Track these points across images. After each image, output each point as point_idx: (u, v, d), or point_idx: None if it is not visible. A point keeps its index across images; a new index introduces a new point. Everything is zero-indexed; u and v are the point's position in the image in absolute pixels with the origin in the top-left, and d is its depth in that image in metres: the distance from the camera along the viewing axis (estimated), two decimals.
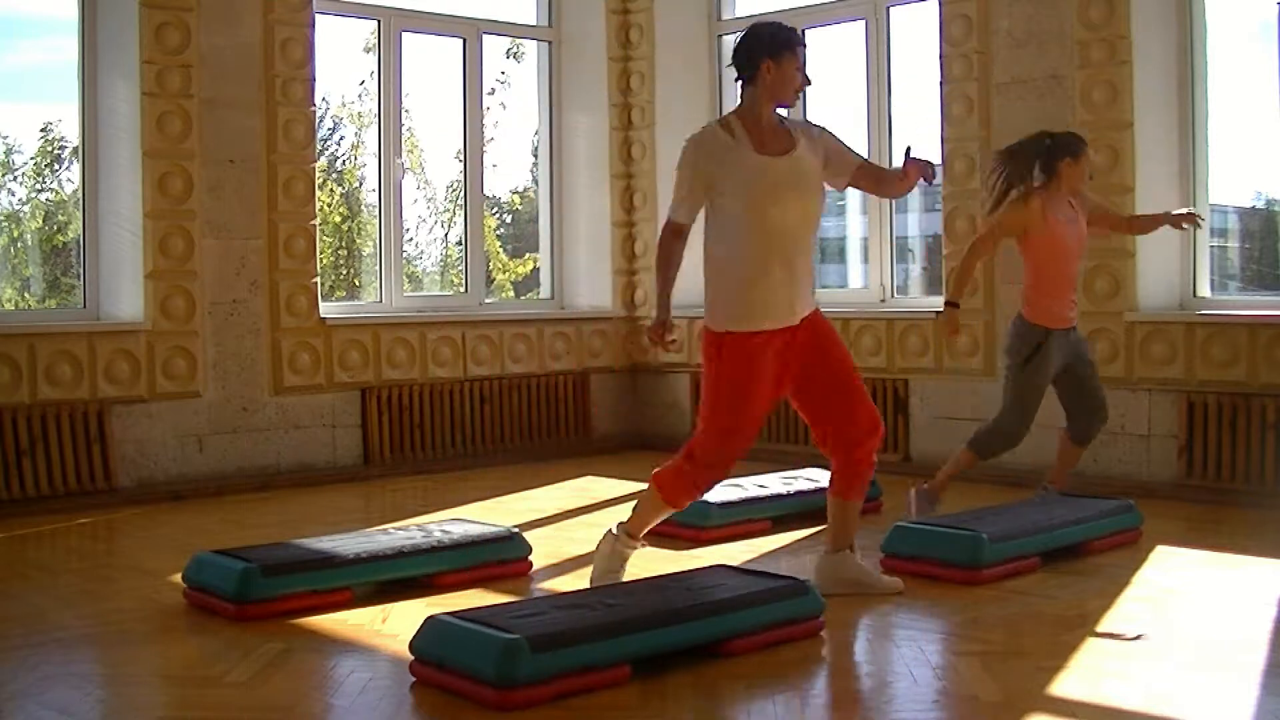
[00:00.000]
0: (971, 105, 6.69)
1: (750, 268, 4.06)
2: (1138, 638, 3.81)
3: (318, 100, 6.98)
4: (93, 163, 6.55)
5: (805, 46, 4.27)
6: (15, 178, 7.00)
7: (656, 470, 4.33)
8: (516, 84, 8.48)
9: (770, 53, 4.18)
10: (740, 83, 4.27)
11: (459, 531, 4.69)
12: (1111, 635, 3.86)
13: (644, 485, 6.26)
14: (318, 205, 7.02)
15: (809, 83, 4.25)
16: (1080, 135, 5.46)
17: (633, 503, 5.62)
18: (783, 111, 4.27)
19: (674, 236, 4.19)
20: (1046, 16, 6.42)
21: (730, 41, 8.25)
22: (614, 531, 4.40)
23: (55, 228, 7.11)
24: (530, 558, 4.75)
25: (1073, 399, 5.49)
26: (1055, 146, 5.30)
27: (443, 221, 8.57)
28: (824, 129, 4.30)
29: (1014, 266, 6.55)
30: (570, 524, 5.75)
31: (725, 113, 4.27)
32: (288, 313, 6.83)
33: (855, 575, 4.34)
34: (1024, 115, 6.51)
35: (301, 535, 4.87)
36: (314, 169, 6.94)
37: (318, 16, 6.96)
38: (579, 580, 4.55)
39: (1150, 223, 5.61)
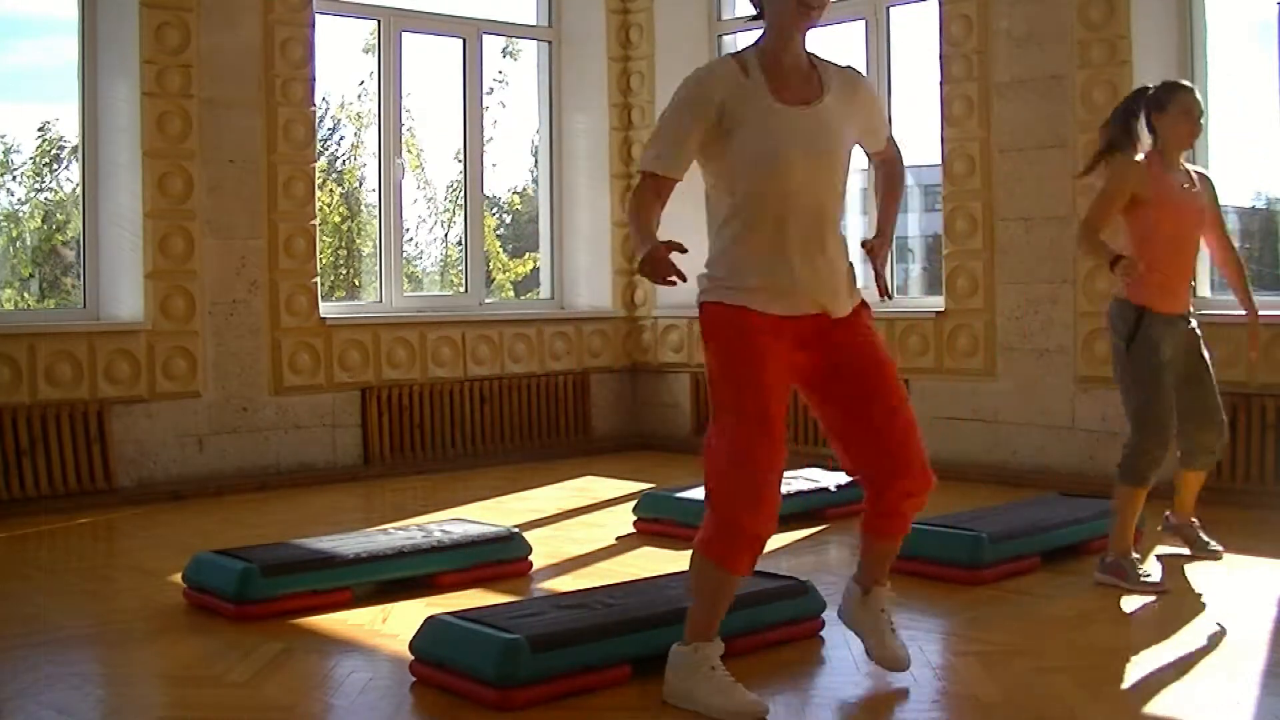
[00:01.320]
0: (971, 105, 6.69)
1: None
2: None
3: (318, 100, 6.98)
4: (92, 163, 6.55)
5: None
6: (14, 177, 7.01)
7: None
8: (516, 84, 8.49)
9: None
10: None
11: (459, 531, 4.69)
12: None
13: (646, 485, 6.30)
14: (318, 205, 7.02)
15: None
16: (1177, 82, 4.61)
17: (632, 503, 5.65)
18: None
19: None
20: (1046, 16, 6.41)
21: (730, 41, 8.27)
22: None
23: (54, 227, 7.11)
24: (530, 558, 4.75)
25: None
26: (1149, 99, 4.55)
27: (443, 221, 8.57)
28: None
29: (1013, 267, 6.57)
30: (570, 524, 5.75)
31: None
32: (288, 313, 6.83)
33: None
34: (1024, 115, 6.52)
35: (301, 535, 4.87)
36: (314, 169, 6.94)
37: (318, 16, 6.96)
38: (579, 580, 4.56)
39: (1236, 291, 4.74)
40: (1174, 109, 4.48)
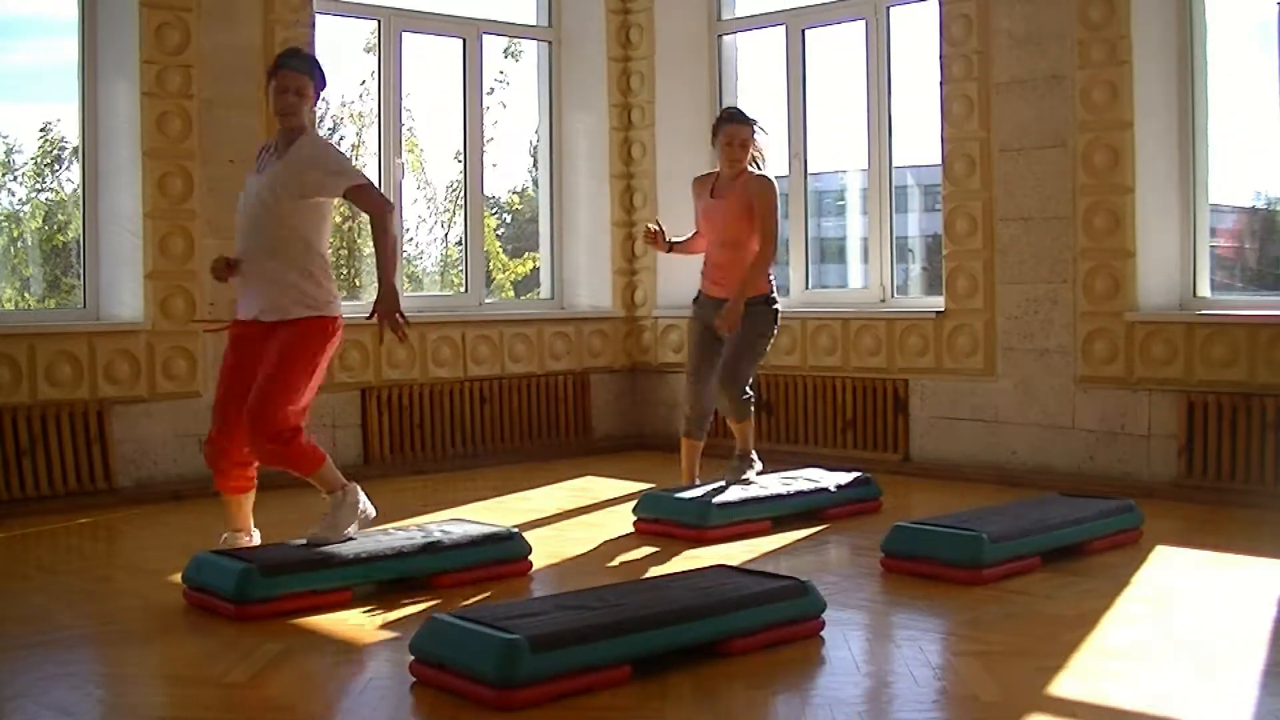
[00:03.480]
0: (971, 105, 6.69)
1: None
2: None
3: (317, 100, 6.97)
4: (93, 163, 6.54)
5: (288, 71, 4.62)
6: (15, 178, 7.00)
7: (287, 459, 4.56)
8: (516, 84, 8.49)
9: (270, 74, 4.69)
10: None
11: (459, 531, 4.70)
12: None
13: (645, 485, 6.30)
14: None
15: (279, 108, 4.65)
16: (732, 110, 5.87)
17: (632, 503, 5.65)
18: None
19: None
20: (1046, 16, 6.42)
21: (730, 41, 8.28)
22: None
23: (55, 228, 7.11)
24: (530, 558, 4.75)
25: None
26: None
27: (443, 221, 8.58)
28: (321, 153, 4.68)
29: (1013, 267, 6.58)
30: (570, 524, 5.75)
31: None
32: None
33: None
34: (1024, 115, 6.52)
35: (301, 535, 4.87)
36: None
37: (318, 16, 6.96)
38: (579, 580, 4.55)
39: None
40: (720, 136, 5.68)
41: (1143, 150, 6.21)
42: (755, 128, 5.73)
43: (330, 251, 4.79)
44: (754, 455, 5.87)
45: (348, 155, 4.58)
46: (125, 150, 6.43)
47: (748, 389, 5.75)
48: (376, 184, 7.60)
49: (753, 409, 5.82)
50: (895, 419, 7.04)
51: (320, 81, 4.73)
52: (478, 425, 7.56)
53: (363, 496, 4.70)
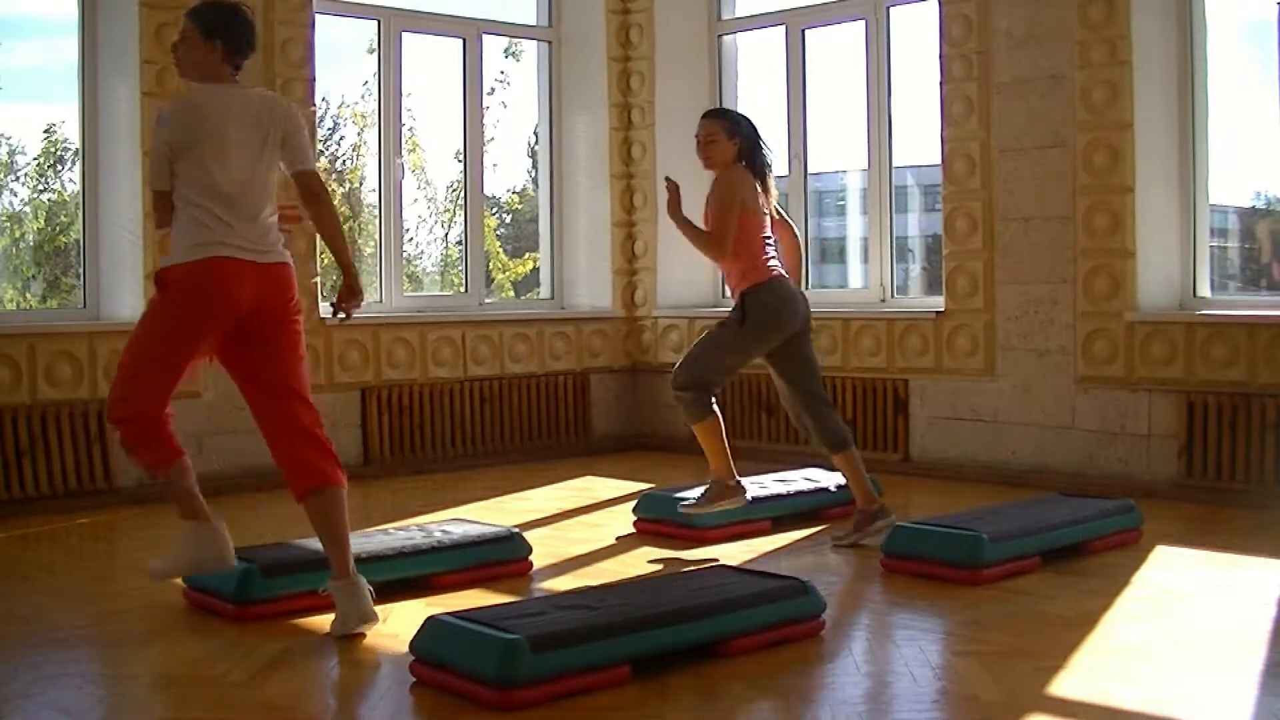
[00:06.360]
0: (971, 105, 6.69)
1: None
2: None
3: (318, 100, 6.97)
4: (93, 163, 6.54)
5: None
6: (17, 178, 7.00)
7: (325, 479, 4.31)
8: (516, 84, 8.49)
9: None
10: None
11: (459, 531, 4.70)
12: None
13: (646, 485, 6.30)
14: None
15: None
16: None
17: (632, 503, 5.65)
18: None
19: None
20: (1046, 16, 6.42)
21: (730, 41, 8.28)
22: None
23: (56, 228, 7.11)
24: (530, 558, 4.75)
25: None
26: None
27: (443, 221, 8.58)
28: None
29: (1013, 267, 6.58)
30: (570, 524, 5.75)
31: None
32: None
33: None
34: (1024, 115, 6.52)
35: (301, 535, 4.86)
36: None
37: (318, 16, 6.95)
38: (579, 580, 4.56)
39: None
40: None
41: (1143, 150, 6.21)
42: (718, 121, 5.20)
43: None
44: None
45: (315, 146, 4.25)
46: (125, 150, 6.43)
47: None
48: (376, 184, 7.68)
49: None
50: (895, 419, 7.04)
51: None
52: (478, 425, 7.56)
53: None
